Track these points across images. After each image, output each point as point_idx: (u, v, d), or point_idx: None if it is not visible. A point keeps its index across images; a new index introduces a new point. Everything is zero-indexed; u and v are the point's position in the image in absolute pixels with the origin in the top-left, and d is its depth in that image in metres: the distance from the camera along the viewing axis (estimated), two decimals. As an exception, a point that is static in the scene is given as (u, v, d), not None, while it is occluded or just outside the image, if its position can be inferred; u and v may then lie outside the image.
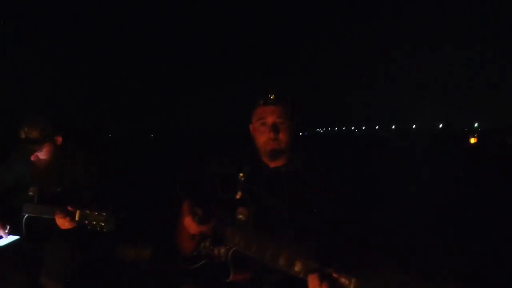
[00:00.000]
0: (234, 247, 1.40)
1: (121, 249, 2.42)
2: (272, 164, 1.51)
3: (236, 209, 1.45)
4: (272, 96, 1.44)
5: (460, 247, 2.96)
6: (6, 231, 1.88)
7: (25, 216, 1.83)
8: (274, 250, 1.24)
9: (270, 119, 1.45)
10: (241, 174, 1.51)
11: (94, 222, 1.56)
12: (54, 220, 1.67)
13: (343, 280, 1.03)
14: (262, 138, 1.47)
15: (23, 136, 1.85)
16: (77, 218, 1.62)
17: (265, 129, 1.46)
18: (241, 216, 1.43)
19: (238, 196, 1.48)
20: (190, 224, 1.50)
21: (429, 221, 3.86)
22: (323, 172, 1.49)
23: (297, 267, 1.15)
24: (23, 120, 1.87)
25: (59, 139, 1.95)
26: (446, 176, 7.81)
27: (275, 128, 1.44)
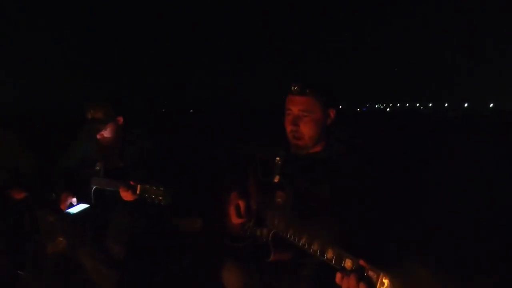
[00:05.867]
0: (274, 229, 1.52)
1: (174, 220, 2.79)
2: (310, 149, 1.59)
3: (275, 193, 1.56)
4: (296, 88, 1.51)
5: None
6: (74, 200, 2.27)
7: (93, 188, 2.20)
8: (309, 236, 1.32)
9: (294, 110, 1.54)
10: (277, 158, 1.61)
11: (153, 196, 1.87)
12: (118, 192, 2.01)
13: (371, 273, 1.08)
14: (287, 128, 1.58)
15: (89, 117, 2.21)
16: (138, 192, 1.93)
17: (289, 119, 1.56)
18: (279, 200, 1.54)
19: (276, 180, 1.58)
20: (233, 215, 1.67)
21: (487, 228, 3.61)
22: (360, 162, 1.55)
23: (329, 254, 1.22)
24: (89, 103, 2.23)
25: (121, 119, 2.30)
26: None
27: (295, 121, 1.54)
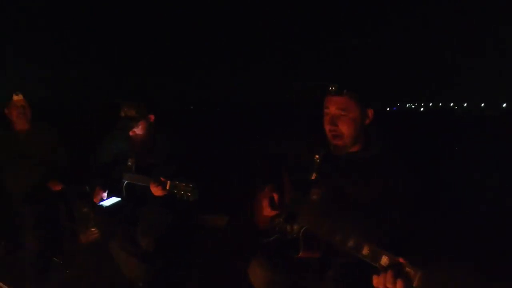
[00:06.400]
0: (306, 225, 1.52)
1: (201, 216, 2.88)
2: (349, 149, 1.59)
3: (310, 190, 1.57)
4: (334, 88, 1.53)
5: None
6: (105, 194, 2.38)
7: (125, 183, 2.30)
8: (344, 232, 1.32)
9: (331, 109, 1.55)
10: (316, 156, 1.63)
11: (182, 192, 1.94)
12: (149, 187, 2.10)
13: (408, 269, 1.08)
14: (326, 127, 1.59)
15: (122, 114, 2.31)
16: (167, 188, 2.02)
17: (327, 119, 1.57)
18: (314, 197, 1.55)
19: (312, 177, 1.60)
20: (266, 207, 1.69)
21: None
22: (397, 162, 1.54)
23: (365, 251, 1.22)
24: (123, 101, 2.33)
25: (152, 117, 2.39)
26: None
27: (333, 120, 1.54)
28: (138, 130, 2.34)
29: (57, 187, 2.64)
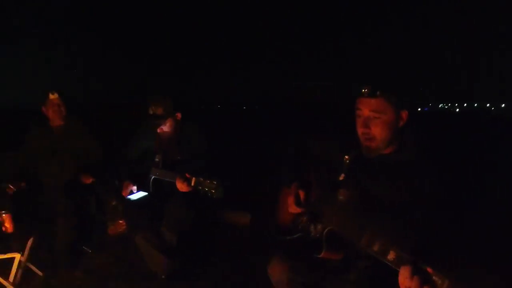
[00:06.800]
0: (331, 226, 1.50)
1: (224, 214, 2.94)
2: (381, 151, 1.55)
3: (338, 190, 1.52)
4: (366, 90, 1.48)
5: None
6: (134, 189, 2.49)
7: (152, 178, 2.40)
8: (370, 235, 1.29)
9: (364, 112, 1.51)
10: (346, 157, 1.58)
11: (206, 189, 2.01)
12: (175, 183, 2.18)
13: (435, 278, 1.06)
14: (358, 130, 1.55)
15: (150, 112, 2.41)
16: (192, 184, 2.09)
17: (360, 121, 1.53)
18: (342, 197, 1.50)
19: (341, 178, 1.56)
20: (291, 204, 1.66)
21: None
22: (431, 165, 1.48)
23: (391, 256, 1.19)
24: (151, 99, 2.43)
25: (179, 115, 2.48)
26: None
27: (366, 123, 1.50)
28: (166, 127, 2.43)
29: (89, 180, 2.78)
